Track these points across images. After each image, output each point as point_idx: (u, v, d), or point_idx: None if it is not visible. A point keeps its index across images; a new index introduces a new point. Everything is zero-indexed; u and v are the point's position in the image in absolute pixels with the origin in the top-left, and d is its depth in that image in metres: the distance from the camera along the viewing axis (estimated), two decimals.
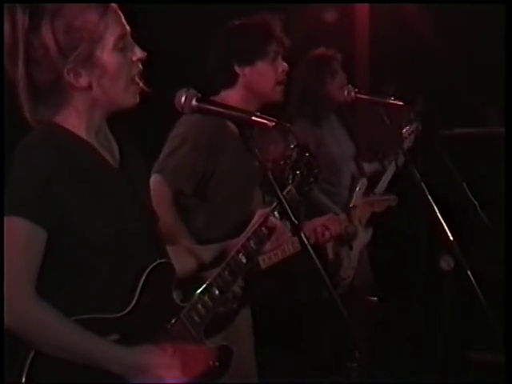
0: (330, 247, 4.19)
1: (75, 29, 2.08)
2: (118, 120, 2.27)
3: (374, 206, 4.41)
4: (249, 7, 5.08)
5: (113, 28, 2.12)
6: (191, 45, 5.23)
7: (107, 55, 2.11)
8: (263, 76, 3.39)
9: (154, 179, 3.28)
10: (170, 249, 2.34)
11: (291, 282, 4.18)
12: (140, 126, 2.75)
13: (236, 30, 3.45)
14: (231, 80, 3.40)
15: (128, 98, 2.17)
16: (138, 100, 2.19)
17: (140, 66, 2.18)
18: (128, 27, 2.17)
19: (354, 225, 4.24)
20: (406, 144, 4.64)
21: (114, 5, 2.15)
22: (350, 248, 4.43)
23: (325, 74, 4.51)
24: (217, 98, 3.39)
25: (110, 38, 2.11)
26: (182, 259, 2.46)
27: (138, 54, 2.17)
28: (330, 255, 4.13)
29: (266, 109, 3.45)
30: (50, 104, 2.13)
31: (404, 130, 4.66)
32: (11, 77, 2.10)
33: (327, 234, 3.67)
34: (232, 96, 3.39)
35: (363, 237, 4.54)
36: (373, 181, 4.69)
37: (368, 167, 4.87)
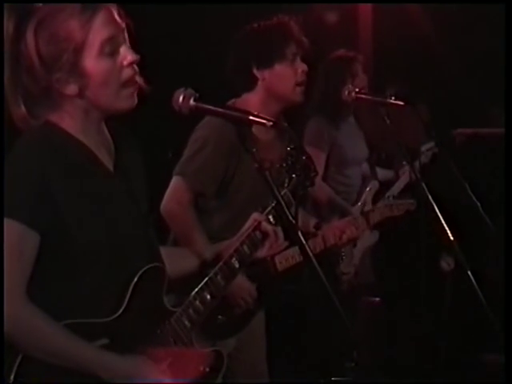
0: None
1: (59, 39, 2.02)
2: (116, 119, 2.22)
3: (393, 210, 4.41)
4: (250, 7, 5.09)
5: (99, 32, 2.03)
6: (190, 44, 5.23)
7: (93, 63, 2.04)
8: (282, 78, 3.38)
9: (175, 181, 3.32)
10: (174, 250, 2.30)
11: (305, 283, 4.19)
12: (139, 125, 2.71)
13: (253, 33, 3.43)
14: (251, 83, 3.40)
15: (121, 103, 2.11)
16: (135, 102, 2.12)
17: (134, 68, 2.10)
18: (121, 27, 2.08)
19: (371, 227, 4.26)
20: (423, 160, 4.75)
21: (107, 5, 2.06)
22: (354, 245, 4.43)
23: (345, 75, 4.48)
24: (238, 101, 3.40)
25: (95, 44, 2.03)
26: (186, 261, 2.45)
27: (129, 57, 2.08)
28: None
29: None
30: (44, 106, 2.09)
31: (423, 147, 4.76)
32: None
33: (344, 238, 3.78)
34: (252, 99, 3.39)
35: (369, 238, 4.55)
36: (384, 186, 4.71)
37: (381, 172, 4.87)
